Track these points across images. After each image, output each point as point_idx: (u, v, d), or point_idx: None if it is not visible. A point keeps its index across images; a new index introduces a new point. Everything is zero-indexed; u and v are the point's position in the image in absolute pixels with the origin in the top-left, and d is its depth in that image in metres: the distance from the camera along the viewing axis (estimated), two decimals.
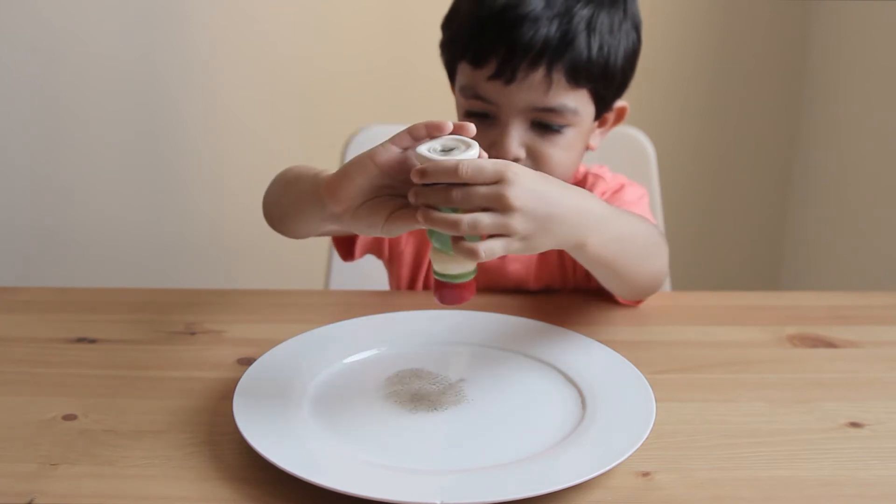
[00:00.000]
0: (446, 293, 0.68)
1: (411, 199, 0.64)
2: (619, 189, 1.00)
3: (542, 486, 0.58)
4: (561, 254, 0.99)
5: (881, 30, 1.64)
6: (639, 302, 0.93)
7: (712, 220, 2.00)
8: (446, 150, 0.63)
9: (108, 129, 1.87)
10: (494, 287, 0.99)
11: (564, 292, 0.99)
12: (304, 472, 0.58)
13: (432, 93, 1.83)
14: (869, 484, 0.62)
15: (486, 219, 0.62)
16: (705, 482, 0.61)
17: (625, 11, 0.89)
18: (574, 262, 1.00)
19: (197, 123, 1.88)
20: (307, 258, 1.56)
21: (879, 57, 1.65)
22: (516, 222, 0.63)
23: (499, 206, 0.62)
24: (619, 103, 0.95)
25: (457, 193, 0.62)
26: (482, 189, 0.62)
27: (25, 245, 1.92)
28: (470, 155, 0.63)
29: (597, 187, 1.00)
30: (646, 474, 0.62)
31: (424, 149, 0.64)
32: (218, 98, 1.86)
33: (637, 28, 0.91)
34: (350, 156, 1.25)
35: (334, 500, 0.57)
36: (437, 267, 0.67)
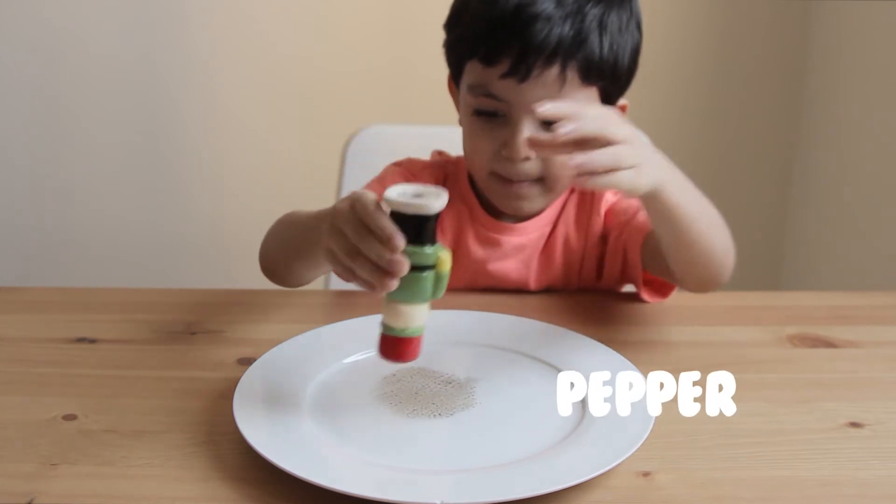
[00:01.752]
0: (402, 349, 0.65)
1: (576, 162, 0.66)
2: None
3: (542, 486, 0.58)
4: (565, 256, 0.99)
5: (881, 30, 1.64)
6: (663, 294, 0.93)
7: None
8: (418, 196, 0.62)
9: (107, 129, 1.87)
10: (495, 288, 0.99)
11: (564, 292, 0.99)
12: (304, 472, 0.58)
13: (432, 93, 1.83)
14: (869, 484, 0.62)
15: (601, 155, 0.66)
16: (705, 482, 0.61)
17: (631, 10, 0.90)
18: (580, 266, 1.00)
19: (197, 123, 1.88)
20: None
21: (879, 57, 1.65)
22: (625, 152, 0.67)
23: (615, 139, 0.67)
24: (621, 101, 0.95)
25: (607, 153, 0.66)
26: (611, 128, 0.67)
27: (25, 245, 1.92)
28: (443, 200, 0.62)
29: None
30: (646, 474, 0.62)
31: (395, 193, 0.62)
32: (218, 98, 1.86)
33: (640, 26, 0.92)
34: (350, 156, 1.25)
35: (334, 500, 0.57)
36: (394, 322, 0.64)
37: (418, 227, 0.61)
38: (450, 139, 1.11)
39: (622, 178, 0.67)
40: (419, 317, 0.65)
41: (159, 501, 0.59)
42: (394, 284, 0.62)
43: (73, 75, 1.81)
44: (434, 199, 0.62)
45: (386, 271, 0.61)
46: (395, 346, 0.65)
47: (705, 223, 0.81)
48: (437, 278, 0.63)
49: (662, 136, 1.47)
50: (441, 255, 0.63)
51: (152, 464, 0.63)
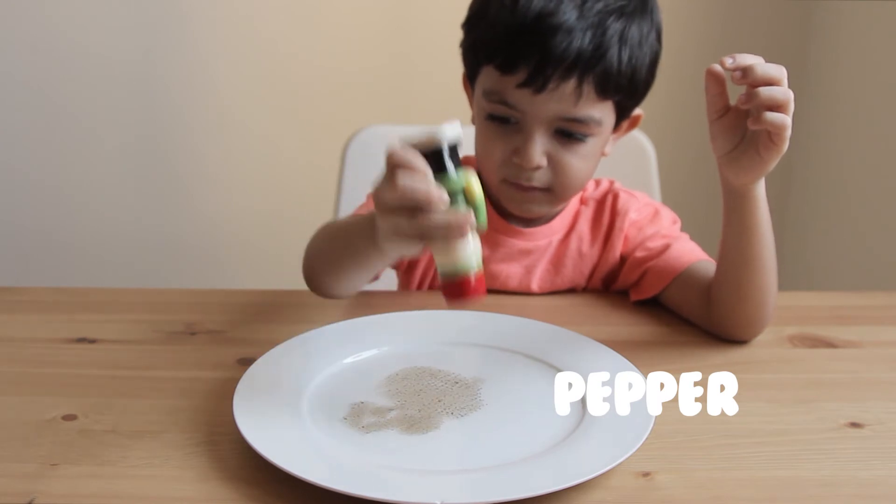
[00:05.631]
0: (456, 289, 0.64)
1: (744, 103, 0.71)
2: (656, 213, 1.00)
3: (543, 486, 0.58)
4: (576, 267, 0.99)
5: (881, 30, 1.64)
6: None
7: (712, 220, 1.99)
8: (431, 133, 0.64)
9: (107, 129, 1.87)
10: (496, 290, 0.99)
11: (565, 293, 0.99)
12: (303, 472, 0.58)
13: (432, 93, 1.84)
14: (869, 484, 0.62)
15: (781, 92, 0.71)
16: (705, 482, 0.61)
17: (652, 21, 0.89)
18: (589, 278, 1.00)
19: (197, 123, 1.88)
20: None
21: (879, 57, 1.65)
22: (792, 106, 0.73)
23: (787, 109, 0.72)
24: (636, 111, 0.95)
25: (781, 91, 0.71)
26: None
27: (25, 245, 1.92)
28: (455, 127, 0.64)
29: (630, 205, 0.99)
30: (646, 474, 0.62)
31: (408, 136, 0.64)
32: (218, 98, 1.86)
33: (660, 36, 0.91)
34: (350, 156, 1.25)
35: (334, 499, 0.57)
36: (442, 263, 0.64)
37: (437, 160, 0.63)
38: None
39: (787, 122, 0.72)
40: (463, 253, 0.63)
41: (159, 501, 0.59)
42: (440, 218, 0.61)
43: (73, 75, 1.81)
44: (445, 130, 0.63)
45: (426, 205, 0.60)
46: (449, 287, 0.65)
47: (771, 256, 0.83)
48: (470, 206, 0.63)
49: (662, 136, 1.47)
50: (469, 179, 0.63)
51: (152, 464, 0.63)
